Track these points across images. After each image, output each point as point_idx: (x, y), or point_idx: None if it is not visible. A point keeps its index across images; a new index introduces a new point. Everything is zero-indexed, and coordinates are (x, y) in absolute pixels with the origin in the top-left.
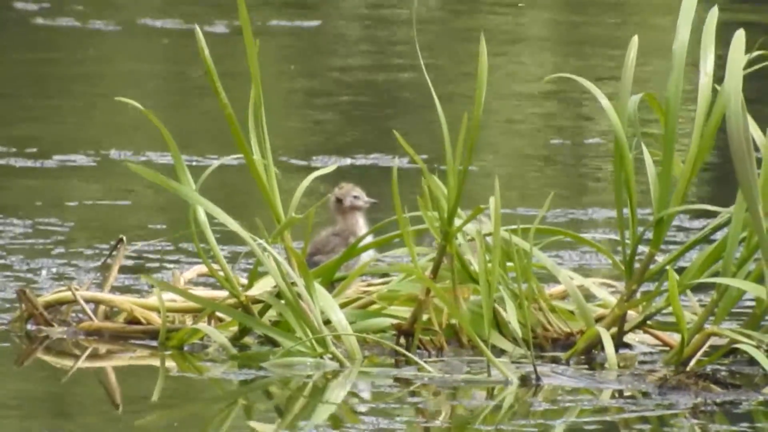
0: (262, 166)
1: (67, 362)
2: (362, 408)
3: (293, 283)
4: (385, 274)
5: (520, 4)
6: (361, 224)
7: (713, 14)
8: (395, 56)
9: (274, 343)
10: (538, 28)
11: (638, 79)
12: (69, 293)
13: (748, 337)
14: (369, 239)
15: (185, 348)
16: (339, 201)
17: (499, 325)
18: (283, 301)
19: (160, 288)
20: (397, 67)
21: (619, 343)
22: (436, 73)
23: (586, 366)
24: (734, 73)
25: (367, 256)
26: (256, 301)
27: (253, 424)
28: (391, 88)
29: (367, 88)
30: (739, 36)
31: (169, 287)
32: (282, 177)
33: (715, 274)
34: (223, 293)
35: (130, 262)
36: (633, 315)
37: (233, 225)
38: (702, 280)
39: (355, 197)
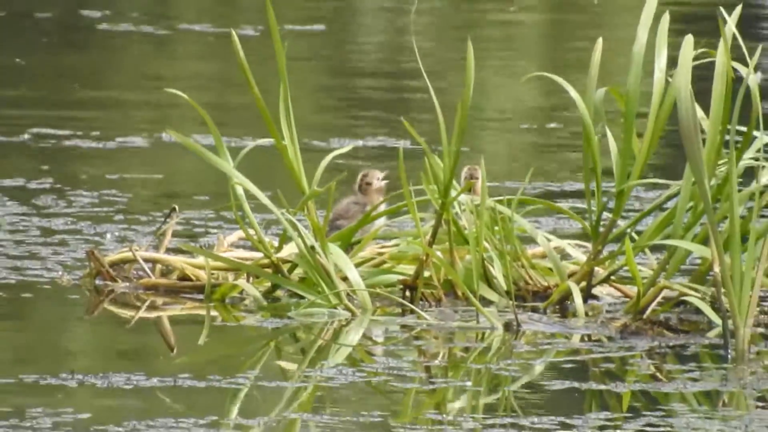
0: (290, 147)
1: (129, 312)
2: (374, 350)
3: (312, 247)
4: (395, 238)
5: (511, 9)
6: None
7: (665, 20)
8: (400, 53)
9: (301, 296)
10: (527, 27)
11: (618, 70)
12: (130, 254)
13: (695, 290)
14: (381, 208)
15: (227, 300)
16: (369, 184)
17: (488, 280)
18: None
19: (198, 254)
20: (402, 72)
21: (588, 295)
22: (440, 65)
23: (559, 314)
24: (684, 67)
25: (380, 222)
26: (286, 261)
27: (282, 363)
28: (395, 81)
29: (375, 81)
30: (689, 39)
31: (205, 253)
32: (304, 156)
33: (667, 237)
34: (259, 254)
35: (180, 228)
36: (600, 271)
37: (261, 196)
38: (655, 242)
39: (378, 179)
